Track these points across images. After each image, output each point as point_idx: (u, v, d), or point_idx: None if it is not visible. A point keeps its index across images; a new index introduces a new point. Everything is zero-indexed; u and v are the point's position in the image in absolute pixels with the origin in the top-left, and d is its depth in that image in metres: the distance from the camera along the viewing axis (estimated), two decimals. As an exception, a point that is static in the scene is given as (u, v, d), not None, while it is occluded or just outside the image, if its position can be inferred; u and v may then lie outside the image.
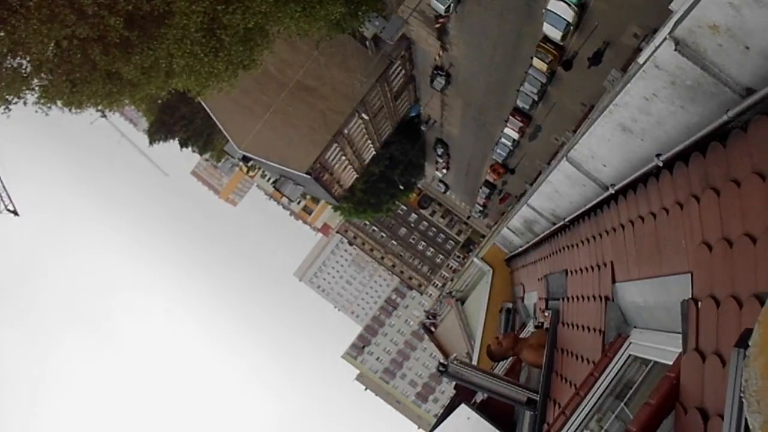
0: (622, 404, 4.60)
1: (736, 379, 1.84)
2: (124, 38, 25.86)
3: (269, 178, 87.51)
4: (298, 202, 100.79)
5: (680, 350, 3.38)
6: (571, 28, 37.45)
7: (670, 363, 3.54)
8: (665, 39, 3.32)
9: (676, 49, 3.28)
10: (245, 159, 67.17)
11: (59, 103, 27.02)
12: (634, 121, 4.31)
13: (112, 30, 25.12)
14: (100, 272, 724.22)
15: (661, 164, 4.00)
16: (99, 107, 29.27)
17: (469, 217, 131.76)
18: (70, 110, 27.85)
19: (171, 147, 77.77)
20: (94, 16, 24.86)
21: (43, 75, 26.19)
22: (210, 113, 60.69)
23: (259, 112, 57.33)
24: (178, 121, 72.58)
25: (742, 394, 1.32)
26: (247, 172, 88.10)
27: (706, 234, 3.31)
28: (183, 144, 76.64)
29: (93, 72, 26.29)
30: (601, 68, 37.31)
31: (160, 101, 48.36)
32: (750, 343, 1.40)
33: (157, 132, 73.75)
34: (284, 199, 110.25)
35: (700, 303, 3.24)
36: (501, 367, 9.20)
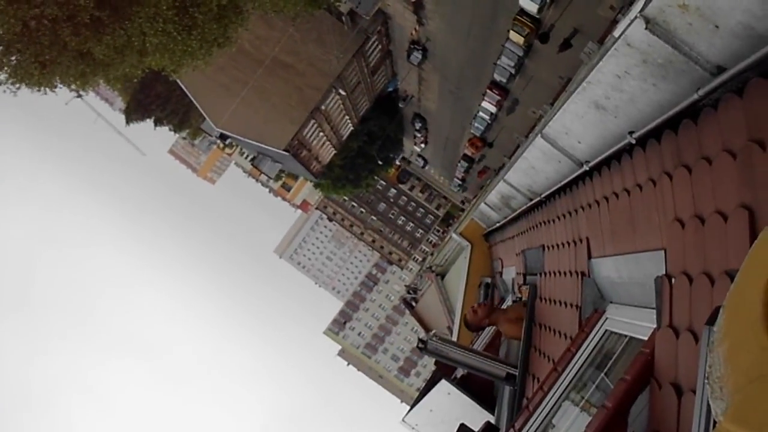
0: (602, 374, 4.64)
1: (706, 360, 1.87)
2: (95, 18, 25.56)
3: (247, 156, 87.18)
4: (277, 180, 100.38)
5: (654, 326, 3.41)
6: (548, 1, 37.42)
7: (645, 338, 3.57)
8: (636, 17, 3.32)
9: (647, 28, 3.29)
10: (222, 137, 66.86)
11: (29, 83, 26.70)
12: (607, 99, 4.33)
13: (82, 9, 24.83)
14: (78, 252, 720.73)
15: (633, 141, 4.02)
16: (72, 87, 29.00)
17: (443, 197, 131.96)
18: (40, 91, 27.54)
19: (148, 126, 77.26)
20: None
21: (12, 58, 25.86)
22: (186, 91, 60.26)
23: (235, 90, 57.03)
24: (154, 100, 71.98)
25: (706, 380, 1.34)
26: (224, 149, 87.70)
27: (678, 211, 3.33)
28: (158, 122, 76.07)
29: (63, 52, 26.00)
30: (578, 41, 37.40)
31: (135, 80, 47.93)
32: (715, 327, 1.41)
33: (134, 111, 73.14)
34: (263, 177, 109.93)
35: (673, 279, 3.26)
36: (481, 343, 9.26)
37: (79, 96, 34.41)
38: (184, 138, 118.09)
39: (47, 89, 27.65)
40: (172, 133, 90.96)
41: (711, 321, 2.22)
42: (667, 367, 3.12)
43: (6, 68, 26.05)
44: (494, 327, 8.20)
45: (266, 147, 62.36)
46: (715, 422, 1.30)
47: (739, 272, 1.40)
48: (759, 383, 1.10)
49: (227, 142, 72.52)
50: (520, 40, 42.87)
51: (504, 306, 8.77)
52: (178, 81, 55.29)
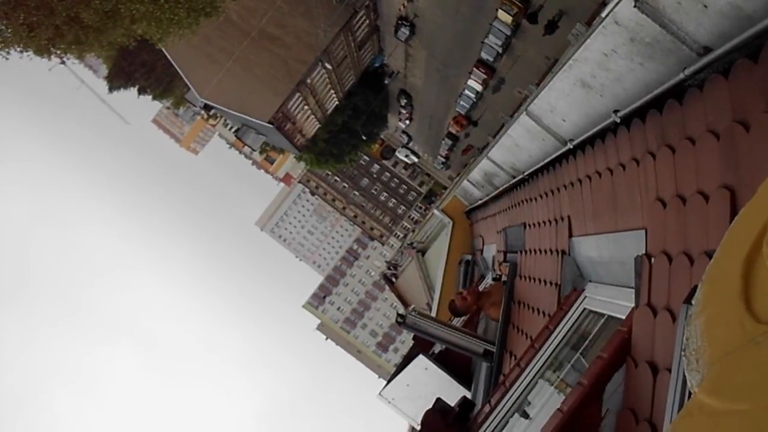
0: (578, 355, 4.66)
1: (683, 335, 1.88)
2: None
3: (231, 127, 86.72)
4: (261, 152, 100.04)
5: (633, 305, 3.42)
6: (537, -20, 37.39)
7: (623, 317, 3.59)
8: (625, -5, 3.32)
9: (635, 6, 3.28)
10: (207, 107, 66.47)
11: (20, 46, 26.50)
12: (593, 77, 4.32)
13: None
14: (58, 224, 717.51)
15: (618, 120, 4.02)
16: (61, 53, 28.78)
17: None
18: (35, 56, 27.35)
19: (132, 95, 76.59)
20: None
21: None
22: (171, 60, 59.75)
23: (221, 60, 56.66)
24: (139, 68, 71.29)
25: (682, 352, 1.34)
26: (208, 120, 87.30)
27: (660, 191, 3.34)
28: (142, 91, 75.49)
29: (51, 16, 25.78)
30: (565, 23, 37.36)
31: (120, 47, 47.56)
32: (693, 302, 1.41)
33: (117, 79, 72.49)
34: (246, 149, 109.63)
35: (653, 259, 3.28)
36: (459, 319, 9.28)
37: (63, 62, 34.05)
38: (168, 108, 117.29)
39: (38, 55, 27.46)
40: (157, 102, 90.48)
41: (689, 300, 2.23)
42: (644, 345, 3.14)
43: None
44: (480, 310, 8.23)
45: (250, 119, 62.08)
46: (690, 395, 1.30)
47: (719, 246, 1.40)
48: (735, 355, 1.11)
49: (211, 112, 72.12)
50: (509, 19, 42.84)
51: (483, 284, 8.80)
52: (163, 50, 54.89)
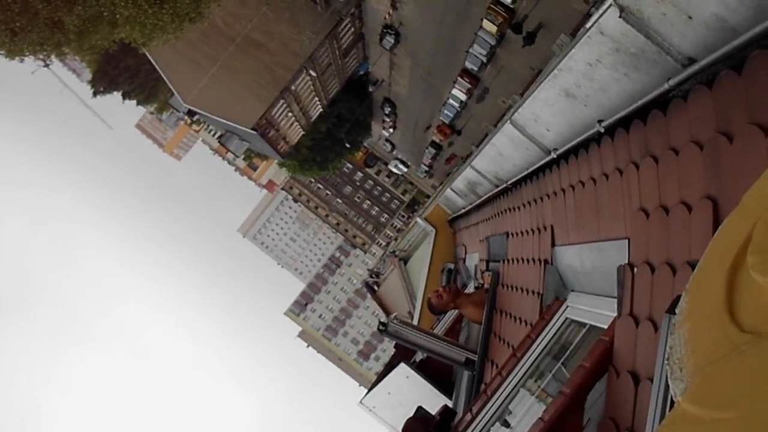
0: (559, 364, 4.67)
1: (666, 344, 1.88)
2: (66, -14, 25.30)
3: (214, 133, 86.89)
4: (244, 158, 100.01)
5: (615, 315, 3.43)
6: (522, -9, 37.53)
7: (605, 327, 3.59)
8: (611, 5, 3.32)
9: (620, 16, 3.29)
10: (190, 113, 66.38)
11: (12, 53, 26.43)
12: (577, 87, 4.33)
13: (53, -22, 24.58)
14: (39, 228, 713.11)
15: (602, 130, 4.03)
16: (43, 56, 28.69)
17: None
18: (9, 58, 27.24)
19: (115, 99, 76.41)
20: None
21: None
22: (155, 65, 59.66)
23: (205, 66, 56.60)
24: (123, 72, 71.10)
25: (666, 361, 1.34)
26: (191, 125, 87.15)
27: (644, 201, 3.35)
28: (126, 95, 75.28)
29: (34, 20, 25.69)
30: (543, 36, 37.61)
31: (104, 51, 47.40)
32: (676, 311, 1.42)
33: (101, 83, 72.25)
34: (229, 155, 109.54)
35: (635, 269, 3.28)
36: (441, 327, 9.28)
37: (47, 65, 33.97)
38: (152, 113, 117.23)
39: (17, 58, 27.35)
40: (140, 107, 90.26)
41: (671, 309, 2.23)
42: (626, 355, 3.14)
43: None
44: (456, 311, 8.23)
45: (234, 125, 62.02)
46: (672, 404, 1.30)
47: (703, 255, 1.41)
48: (718, 364, 1.11)
49: (195, 118, 72.11)
50: (493, 29, 42.96)
51: (466, 292, 8.79)
52: (148, 54, 54.78)
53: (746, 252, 1.19)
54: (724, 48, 2.65)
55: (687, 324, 1.30)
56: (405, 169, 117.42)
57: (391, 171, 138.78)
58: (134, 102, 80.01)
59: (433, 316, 9.50)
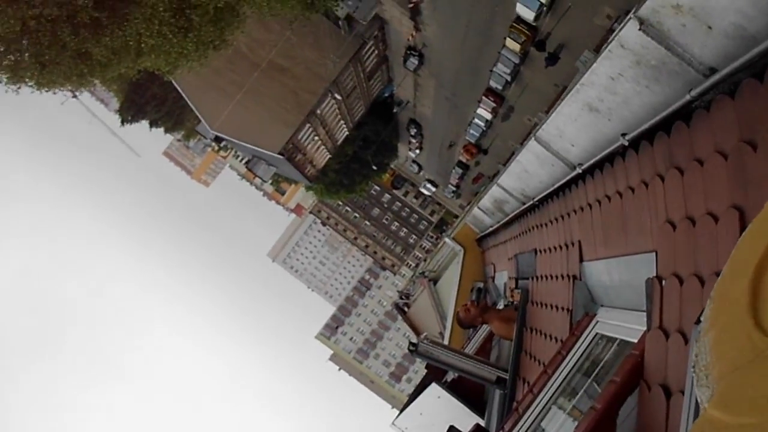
0: (590, 380, 4.63)
1: (693, 352, 1.87)
2: (94, 18, 25.64)
3: (242, 159, 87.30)
4: (272, 183, 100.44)
5: (645, 328, 3.40)
6: (545, 8, 37.55)
7: (635, 341, 3.57)
8: (630, 18, 3.33)
9: (640, 29, 3.29)
10: (217, 139, 66.85)
11: (29, 83, 26.79)
12: (600, 101, 4.33)
13: (81, 10, 24.92)
14: (68, 254, 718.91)
15: (626, 143, 4.02)
16: (69, 87, 29.05)
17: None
18: (39, 91, 27.63)
19: (143, 127, 77.20)
20: (63, -4, 24.65)
21: (10, 56, 25.92)
22: (182, 93, 60.20)
23: (231, 92, 57.03)
24: (150, 100, 71.84)
25: (692, 369, 1.34)
26: (218, 152, 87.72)
27: (670, 213, 3.33)
28: (153, 123, 75.98)
29: (62, 53, 26.05)
30: (566, 55, 37.59)
31: (131, 80, 47.95)
32: (701, 319, 1.41)
33: (128, 112, 73.00)
34: (257, 180, 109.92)
35: (664, 281, 3.26)
36: (472, 346, 9.26)
37: (75, 96, 34.47)
38: (179, 140, 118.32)
39: (46, 89, 27.72)
40: (168, 135, 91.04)
41: (700, 321, 2.22)
42: (657, 368, 3.12)
43: (6, 68, 26.11)
44: (486, 328, 8.22)
45: (261, 150, 62.34)
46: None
47: (727, 261, 1.40)
48: (743, 370, 1.11)
49: (222, 144, 72.52)
50: (516, 47, 42.97)
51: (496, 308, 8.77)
52: (174, 82, 55.33)
53: None
54: (745, 56, 2.64)
55: (712, 331, 1.30)
56: (434, 189, 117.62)
57: (419, 192, 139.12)
58: (162, 130, 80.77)
59: (463, 335, 9.48)
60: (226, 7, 29.78)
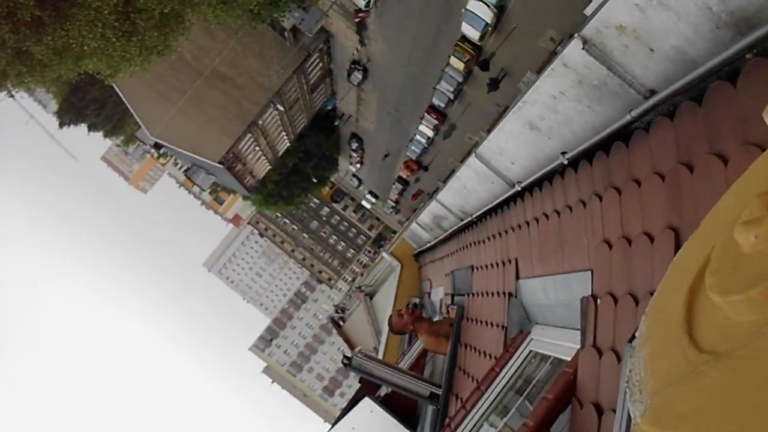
0: (523, 398, 4.64)
1: (627, 367, 1.87)
2: (36, 17, 25.14)
3: (181, 166, 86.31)
4: (210, 192, 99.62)
5: (578, 346, 3.42)
6: (490, 28, 37.87)
7: (569, 359, 3.58)
8: (574, 37, 3.35)
9: (583, 48, 3.31)
10: (157, 146, 66.20)
11: None
12: (542, 119, 4.35)
13: (22, 8, 24.40)
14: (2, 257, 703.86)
15: (566, 162, 4.04)
16: (7, 87, 28.48)
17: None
18: None
19: (81, 131, 75.92)
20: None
21: None
22: (122, 97, 59.45)
23: (173, 99, 56.50)
24: (89, 104, 70.76)
25: (625, 384, 1.33)
26: (158, 158, 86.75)
27: (606, 232, 3.36)
28: (92, 127, 74.82)
29: (1, 50, 25.52)
30: (507, 83, 38.09)
31: (71, 82, 47.13)
32: (636, 335, 1.42)
33: (67, 115, 71.78)
34: (196, 188, 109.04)
35: (599, 300, 3.28)
36: (406, 361, 9.24)
37: (12, 96, 33.73)
38: (118, 145, 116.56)
39: None
40: (106, 139, 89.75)
41: (633, 339, 2.23)
42: (589, 386, 3.13)
43: None
44: (419, 340, 8.24)
45: (201, 158, 61.85)
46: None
47: (663, 278, 1.41)
48: (677, 385, 1.10)
49: (161, 151, 71.79)
50: (461, 66, 43.27)
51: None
52: (115, 86, 54.58)
53: (705, 274, 1.19)
54: (685, 79, 2.67)
55: (647, 347, 1.30)
56: (374, 201, 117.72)
57: (358, 206, 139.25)
58: (100, 134, 79.59)
59: (398, 349, 9.47)
60: (172, 14, 29.48)
